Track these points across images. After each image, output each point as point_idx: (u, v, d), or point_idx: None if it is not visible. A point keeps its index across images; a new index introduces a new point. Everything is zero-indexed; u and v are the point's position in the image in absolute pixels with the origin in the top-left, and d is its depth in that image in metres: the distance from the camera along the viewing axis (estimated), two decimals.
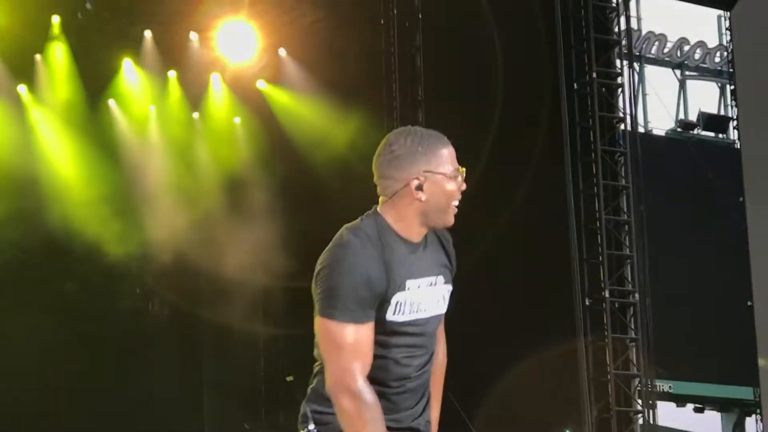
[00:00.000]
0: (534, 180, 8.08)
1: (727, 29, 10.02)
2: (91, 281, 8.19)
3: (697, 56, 10.41)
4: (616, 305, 8.22)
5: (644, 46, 9.88)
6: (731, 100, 9.71)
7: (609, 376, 8.01)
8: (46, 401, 7.74)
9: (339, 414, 1.52)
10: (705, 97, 10.54)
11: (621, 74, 8.67)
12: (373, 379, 1.55)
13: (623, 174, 8.41)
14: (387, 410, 1.56)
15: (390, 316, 1.57)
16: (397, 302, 1.57)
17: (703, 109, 10.27)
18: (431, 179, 1.57)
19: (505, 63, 8.34)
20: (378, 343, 1.58)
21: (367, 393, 1.51)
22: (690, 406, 10.17)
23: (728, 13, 9.69)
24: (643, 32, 9.94)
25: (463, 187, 1.64)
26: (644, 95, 9.27)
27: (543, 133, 8.40)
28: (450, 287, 1.71)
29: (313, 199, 8.38)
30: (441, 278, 1.68)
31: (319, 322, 1.56)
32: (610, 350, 8.05)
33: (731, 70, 9.44)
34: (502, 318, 8.01)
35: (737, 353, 8.91)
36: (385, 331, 1.58)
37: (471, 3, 8.26)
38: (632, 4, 9.21)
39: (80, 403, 7.77)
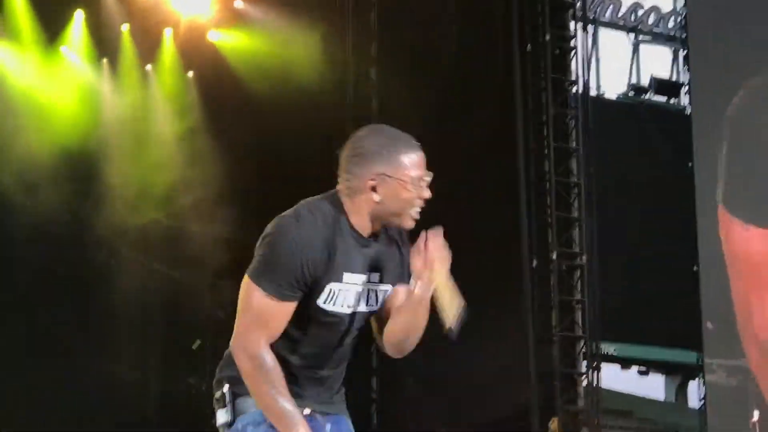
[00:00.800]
0: (485, 140, 8.03)
1: None
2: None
3: (650, 21, 10.40)
4: (563, 267, 8.25)
5: (598, 9, 9.83)
6: (683, 66, 9.73)
7: (554, 338, 8.06)
8: None
9: (241, 373, 1.55)
10: (658, 62, 10.58)
11: (574, 37, 8.63)
12: (280, 356, 1.58)
13: (574, 137, 8.40)
14: (292, 391, 1.58)
15: (320, 302, 1.59)
16: (330, 290, 1.59)
17: (655, 75, 10.32)
18: (387, 183, 1.58)
19: (460, 21, 8.26)
20: (298, 323, 1.60)
21: (267, 359, 1.54)
22: (634, 369, 10.38)
23: None
24: None
25: (426, 194, 1.64)
26: (597, 59, 9.21)
27: (495, 93, 8.37)
28: (389, 287, 1.70)
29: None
30: (381, 276, 1.68)
31: (246, 282, 1.59)
32: (556, 312, 8.10)
33: (684, 35, 9.43)
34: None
35: (682, 317, 9.05)
36: (309, 313, 1.60)
37: None
38: None
39: None
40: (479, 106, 8.03)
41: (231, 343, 1.60)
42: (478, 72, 8.37)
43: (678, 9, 10.13)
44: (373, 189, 1.58)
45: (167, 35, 8.67)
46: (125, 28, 8.50)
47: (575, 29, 8.66)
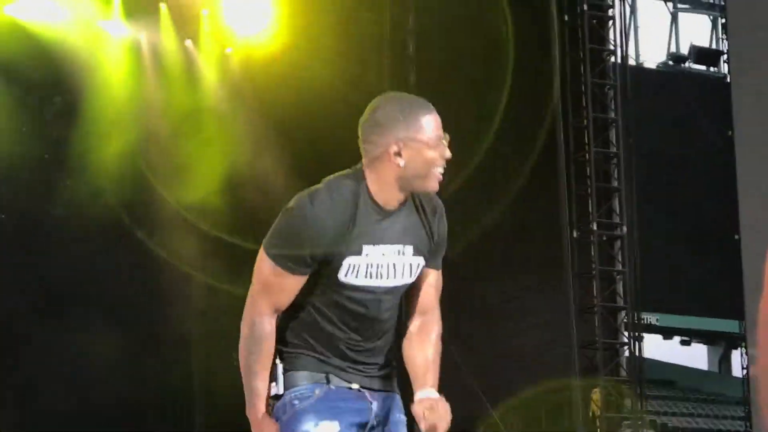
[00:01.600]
0: (523, 111, 8.05)
1: None
2: None
3: None
4: (604, 238, 8.27)
5: None
6: (722, 34, 9.60)
7: (595, 308, 8.11)
8: None
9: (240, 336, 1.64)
10: (697, 30, 10.46)
11: (612, 6, 8.56)
12: (324, 330, 1.64)
13: (612, 107, 8.37)
14: (336, 365, 1.65)
15: (342, 276, 1.60)
16: (349, 265, 1.59)
17: (694, 43, 10.20)
18: (410, 146, 1.58)
19: None
20: (329, 297, 1.63)
21: (266, 328, 1.61)
22: (676, 339, 10.36)
23: None
24: None
25: (447, 154, 1.63)
26: (636, 28, 9.15)
27: (534, 64, 8.33)
28: (421, 260, 1.68)
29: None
30: (411, 248, 1.66)
31: (259, 252, 1.64)
32: (597, 282, 8.14)
33: (723, 3, 9.30)
34: (491, 250, 8.06)
35: (724, 287, 9.02)
36: (335, 287, 1.62)
37: None
38: None
39: None
40: (518, 79, 8.01)
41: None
42: (518, 44, 8.35)
43: None
44: (397, 154, 1.59)
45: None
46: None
47: None
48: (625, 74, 8.49)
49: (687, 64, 10.28)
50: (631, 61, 9.04)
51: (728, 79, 9.43)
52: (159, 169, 8.19)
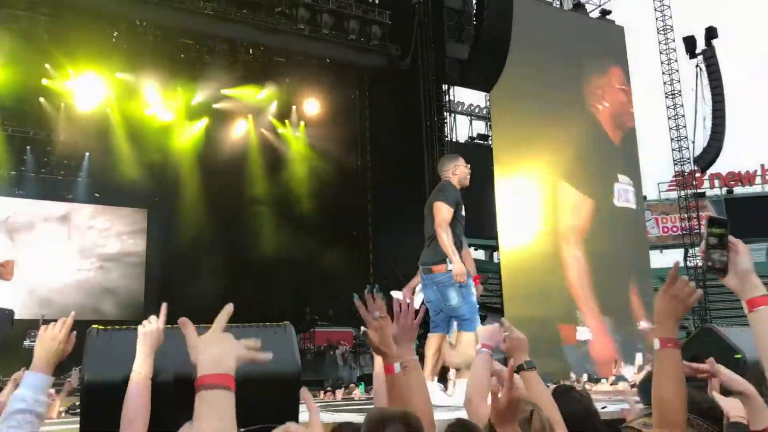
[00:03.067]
0: (405, 150, 19.47)
1: None
2: None
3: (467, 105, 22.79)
4: None
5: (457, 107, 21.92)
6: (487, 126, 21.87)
7: None
8: None
9: (439, 233, 5.58)
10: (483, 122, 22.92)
11: (446, 113, 20.38)
12: (454, 231, 5.63)
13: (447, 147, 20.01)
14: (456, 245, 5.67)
15: (457, 213, 5.65)
16: (460, 211, 5.68)
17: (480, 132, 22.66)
18: (459, 169, 5.83)
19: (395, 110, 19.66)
20: (454, 220, 5.61)
21: (449, 230, 5.53)
22: None
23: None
24: None
25: (469, 171, 5.85)
26: (455, 119, 21.16)
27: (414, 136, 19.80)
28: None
29: None
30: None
31: (437, 203, 5.61)
32: None
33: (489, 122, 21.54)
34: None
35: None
36: (457, 218, 5.64)
37: None
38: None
39: None
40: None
41: (436, 226, 5.56)
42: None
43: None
44: (454, 173, 5.79)
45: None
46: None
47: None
48: (451, 148, 20.15)
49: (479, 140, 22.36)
50: (455, 139, 20.80)
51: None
52: None
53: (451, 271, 5.40)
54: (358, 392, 13.11)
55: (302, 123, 19.59)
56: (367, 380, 14.67)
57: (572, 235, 20.39)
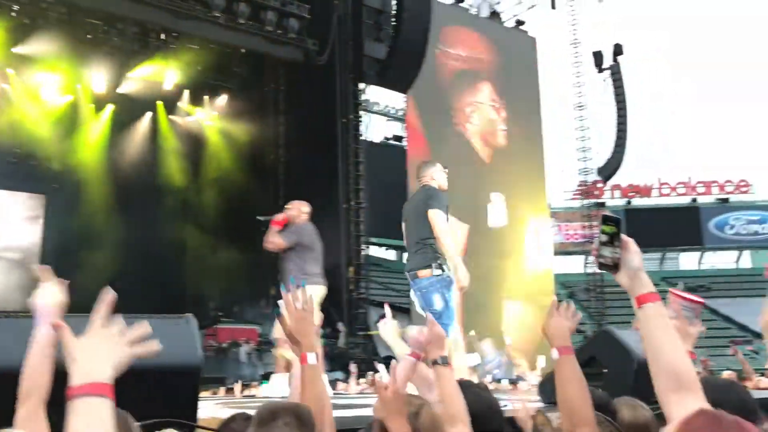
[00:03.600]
0: (323, 149, 19.38)
1: None
2: None
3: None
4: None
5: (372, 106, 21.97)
6: (404, 130, 22.04)
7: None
8: None
9: (442, 240, 5.55)
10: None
11: (360, 115, 20.39)
12: None
13: (360, 157, 20.01)
14: None
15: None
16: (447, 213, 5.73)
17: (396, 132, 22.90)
18: (438, 173, 5.86)
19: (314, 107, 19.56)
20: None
21: (453, 238, 5.85)
22: None
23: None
24: None
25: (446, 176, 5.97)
26: (370, 118, 21.20)
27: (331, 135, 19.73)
28: None
29: None
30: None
31: (433, 212, 5.51)
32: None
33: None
34: None
35: None
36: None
37: None
38: None
39: None
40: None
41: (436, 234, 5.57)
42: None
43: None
44: (432, 178, 5.80)
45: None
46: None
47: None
48: (363, 144, 20.21)
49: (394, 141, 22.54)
50: (370, 138, 20.89)
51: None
52: None
53: (438, 276, 5.47)
54: (261, 388, 12.88)
55: (214, 113, 19.15)
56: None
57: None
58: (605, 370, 4.23)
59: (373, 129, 23.78)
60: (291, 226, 7.16)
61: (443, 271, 5.52)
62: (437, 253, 5.52)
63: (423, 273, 5.51)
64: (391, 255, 28.28)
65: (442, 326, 5.67)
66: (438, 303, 5.47)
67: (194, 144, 19.21)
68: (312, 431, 1.88)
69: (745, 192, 39.20)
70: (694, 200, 39.00)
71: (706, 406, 1.55)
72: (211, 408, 5.06)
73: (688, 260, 40.89)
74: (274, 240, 7.00)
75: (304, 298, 2.28)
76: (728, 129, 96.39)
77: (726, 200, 39.20)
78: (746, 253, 40.46)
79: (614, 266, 1.81)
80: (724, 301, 32.02)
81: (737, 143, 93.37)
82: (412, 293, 5.87)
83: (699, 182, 38.93)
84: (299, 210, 7.25)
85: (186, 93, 18.67)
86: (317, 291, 6.82)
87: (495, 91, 22.51)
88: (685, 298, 2.75)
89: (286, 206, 7.39)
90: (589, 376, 2.30)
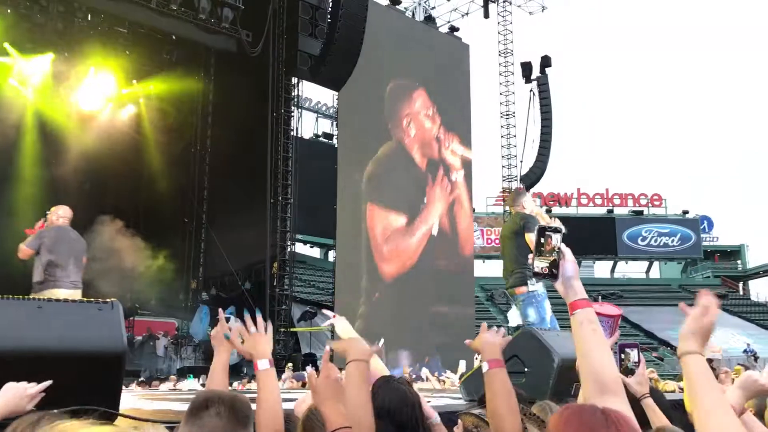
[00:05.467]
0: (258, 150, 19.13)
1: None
2: None
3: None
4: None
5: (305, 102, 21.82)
6: (335, 127, 21.97)
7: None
8: None
9: None
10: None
11: (293, 108, 20.23)
12: None
13: (289, 147, 19.86)
14: None
15: None
16: None
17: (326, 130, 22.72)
18: (526, 203, 6.58)
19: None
20: None
21: None
22: None
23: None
24: None
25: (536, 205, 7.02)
26: (301, 114, 21.11)
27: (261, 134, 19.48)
28: None
29: None
30: None
31: (530, 235, 5.74)
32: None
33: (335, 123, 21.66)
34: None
35: None
36: None
37: None
38: None
39: None
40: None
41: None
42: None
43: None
44: (523, 206, 6.48)
45: None
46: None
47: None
48: (296, 143, 20.05)
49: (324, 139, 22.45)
50: (300, 134, 20.74)
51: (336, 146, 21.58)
52: None
53: (532, 292, 6.07)
54: (186, 383, 12.63)
55: (141, 100, 18.59)
56: (194, 372, 14.25)
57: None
58: (527, 369, 4.34)
59: (304, 125, 23.66)
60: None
61: (536, 288, 6.14)
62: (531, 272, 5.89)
63: (519, 290, 6.18)
64: (315, 252, 28.16)
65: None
66: (531, 315, 6.08)
67: (116, 132, 18.51)
68: (246, 424, 1.84)
69: (658, 206, 40.98)
70: (611, 211, 40.51)
71: (628, 409, 1.62)
72: (131, 400, 4.91)
73: (601, 268, 42.46)
74: (21, 247, 6.84)
75: (261, 326, 2.42)
76: (646, 143, 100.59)
77: (640, 212, 40.89)
78: (656, 264, 42.32)
79: (555, 275, 1.89)
80: (634, 309, 33.37)
81: (653, 157, 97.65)
82: (512, 310, 6.52)
83: (615, 194, 40.46)
84: (57, 214, 7.14)
85: (111, 78, 17.99)
86: (59, 295, 6.33)
87: (428, 97, 22.69)
88: (599, 314, 2.83)
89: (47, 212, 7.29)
90: (511, 374, 2.38)
